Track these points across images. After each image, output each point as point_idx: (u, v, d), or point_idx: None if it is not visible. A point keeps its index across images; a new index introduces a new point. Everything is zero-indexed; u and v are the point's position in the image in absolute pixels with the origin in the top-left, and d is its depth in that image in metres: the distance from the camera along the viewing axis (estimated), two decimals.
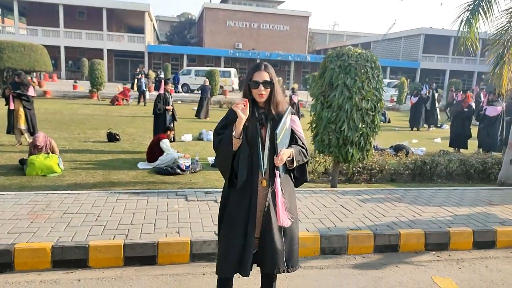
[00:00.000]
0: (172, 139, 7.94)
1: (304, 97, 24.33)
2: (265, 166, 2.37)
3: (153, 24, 46.20)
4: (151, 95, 21.26)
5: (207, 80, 16.44)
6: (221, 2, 50.12)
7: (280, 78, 37.02)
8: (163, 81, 8.71)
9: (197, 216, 4.27)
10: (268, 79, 2.38)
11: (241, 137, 2.35)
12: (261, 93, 2.38)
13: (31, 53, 19.30)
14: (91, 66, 20.24)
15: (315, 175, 7.06)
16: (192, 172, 6.81)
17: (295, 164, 2.42)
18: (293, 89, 15.25)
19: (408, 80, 29.41)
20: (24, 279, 3.18)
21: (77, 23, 37.31)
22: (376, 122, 5.83)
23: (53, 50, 29.53)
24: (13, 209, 4.15)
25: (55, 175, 6.20)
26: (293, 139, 2.50)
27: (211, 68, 23.68)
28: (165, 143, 7.26)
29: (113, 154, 7.95)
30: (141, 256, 3.52)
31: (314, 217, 4.44)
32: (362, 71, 5.59)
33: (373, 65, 5.70)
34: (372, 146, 6.09)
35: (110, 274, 3.35)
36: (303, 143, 2.51)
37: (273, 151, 2.33)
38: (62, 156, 6.92)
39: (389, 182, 6.85)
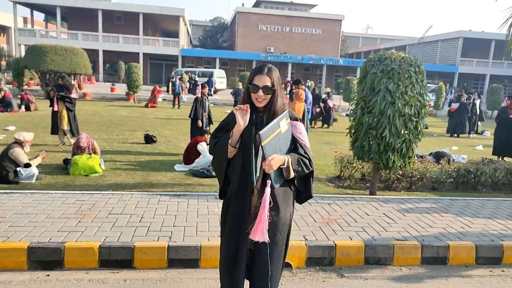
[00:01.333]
0: (208, 143, 8.02)
1: (337, 101, 24.03)
2: (257, 174, 2.21)
3: (187, 28, 47.09)
4: (188, 98, 21.67)
5: (240, 84, 16.54)
6: (253, 6, 50.43)
7: (312, 81, 36.83)
8: (200, 84, 8.82)
9: None
10: (269, 84, 2.20)
11: (237, 145, 2.21)
12: (260, 99, 2.21)
13: (72, 57, 20.06)
14: (128, 70, 20.82)
15: (352, 182, 6.92)
16: None
17: (291, 174, 2.19)
18: (328, 93, 15.09)
19: (447, 85, 28.43)
20: (74, 277, 3.27)
21: (115, 27, 38.59)
22: (419, 129, 5.65)
23: (92, 54, 30.64)
24: (61, 208, 4.29)
25: (97, 175, 6.38)
26: (295, 147, 2.28)
27: (201, 69, 23.60)
28: (202, 146, 7.33)
29: (151, 156, 8.11)
30: (184, 258, 3.54)
31: (356, 226, 4.33)
32: (406, 75, 5.43)
33: (417, 70, 5.54)
34: (414, 153, 5.90)
35: (155, 275, 3.39)
36: (305, 152, 2.27)
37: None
38: (103, 156, 7.12)
39: (430, 191, 6.61)
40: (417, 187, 6.75)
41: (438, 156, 8.68)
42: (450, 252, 3.90)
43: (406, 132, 5.52)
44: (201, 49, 47.12)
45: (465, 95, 16.07)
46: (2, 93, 14.82)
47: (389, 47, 46.71)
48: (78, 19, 38.67)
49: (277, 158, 2.09)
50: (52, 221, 3.90)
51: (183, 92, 20.87)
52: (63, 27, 40.88)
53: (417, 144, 5.79)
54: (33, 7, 38.01)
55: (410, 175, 6.75)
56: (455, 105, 15.32)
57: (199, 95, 8.34)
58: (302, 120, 7.18)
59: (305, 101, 8.29)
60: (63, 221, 3.93)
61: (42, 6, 37.15)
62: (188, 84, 26.04)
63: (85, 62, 20.95)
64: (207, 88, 8.60)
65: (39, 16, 43.83)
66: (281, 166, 2.14)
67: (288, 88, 21.78)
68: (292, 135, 2.28)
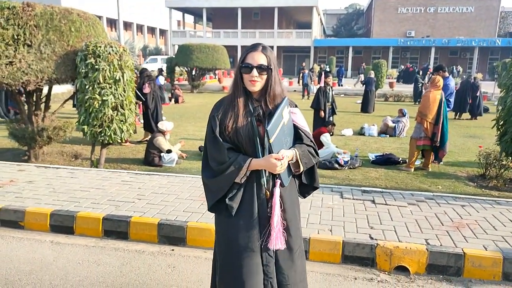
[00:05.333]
0: (331, 134, 7.84)
1: (489, 88, 20.82)
2: (267, 173, 1.93)
3: (320, 18, 46.79)
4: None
5: (372, 72, 15.67)
6: None
7: (461, 67, 32.56)
8: (323, 73, 8.65)
9: (351, 215, 4.07)
10: (264, 63, 1.89)
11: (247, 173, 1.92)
12: (254, 80, 1.89)
13: (213, 53, 21.98)
14: None
15: (500, 182, 5.91)
16: (350, 168, 6.58)
17: (301, 168, 1.95)
18: (475, 78, 13.16)
19: None
20: (193, 254, 3.60)
21: (252, 23, 40.86)
22: None
23: (231, 50, 33.09)
24: (189, 191, 4.76)
25: None
26: (298, 137, 2.02)
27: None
28: (325, 137, 7.22)
29: None
30: None
31: (495, 234, 3.68)
32: None
33: None
34: None
35: None
36: (311, 140, 2.02)
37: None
38: None
39: None
40: None
41: None
42: None
43: None
44: (333, 39, 46.32)
45: None
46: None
47: None
48: (221, 18, 42.18)
49: (286, 154, 1.86)
50: (180, 202, 4.36)
51: (312, 83, 20.87)
52: (209, 27, 45.11)
53: None
54: (184, 10, 42.99)
55: None
56: None
57: (322, 85, 8.20)
58: (439, 111, 6.46)
59: (443, 89, 7.39)
60: (189, 202, 4.35)
61: (191, 9, 41.69)
62: (318, 75, 25.92)
63: (224, 58, 22.70)
64: (331, 77, 8.39)
65: (189, 19, 49.30)
66: (289, 162, 1.91)
67: (427, 75, 19.75)
68: (293, 124, 2.02)
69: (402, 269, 3.35)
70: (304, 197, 2.20)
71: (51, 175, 5.34)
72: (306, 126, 2.08)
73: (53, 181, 5.04)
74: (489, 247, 3.40)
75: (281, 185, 1.93)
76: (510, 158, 5.49)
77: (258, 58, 1.89)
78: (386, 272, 3.35)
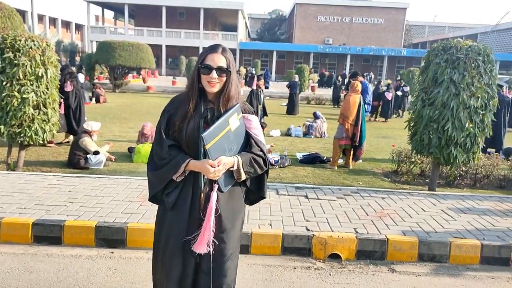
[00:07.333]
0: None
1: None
2: (205, 177, 1.93)
3: (246, 22, 47.63)
4: (244, 91, 21.95)
5: (296, 76, 16.44)
6: None
7: (372, 73, 35.43)
8: (255, 77, 8.94)
9: (288, 210, 4.33)
10: (224, 65, 1.91)
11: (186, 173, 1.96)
12: (212, 82, 1.91)
13: (138, 52, 21.19)
14: (188, 64, 21.64)
15: (410, 177, 6.66)
16: (280, 167, 6.89)
17: (243, 176, 1.94)
18: (388, 85, 14.52)
19: None
20: (135, 255, 3.54)
21: (177, 23, 40.15)
22: (486, 122, 5.29)
23: (155, 49, 32.15)
24: (125, 192, 4.63)
25: None
26: (249, 145, 2.01)
27: None
28: None
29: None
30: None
31: (411, 221, 4.19)
32: (473, 65, 5.11)
33: (485, 59, 5.18)
34: (480, 148, 5.54)
35: None
36: (261, 150, 2.01)
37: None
38: None
39: (496, 189, 6.17)
40: (482, 185, 6.34)
41: (508, 153, 8.04)
42: None
43: (471, 125, 5.20)
44: (258, 42, 47.44)
45: None
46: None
47: (458, 35, 43.59)
48: (144, 16, 40.75)
49: (224, 161, 1.85)
50: (117, 204, 4.23)
51: (239, 85, 21.21)
52: (131, 24, 43.29)
53: (483, 138, 5.44)
54: (103, 5, 40.71)
55: (475, 172, 6.36)
56: None
57: (254, 88, 8.47)
58: (358, 113, 7.08)
59: (362, 93, 8.08)
60: (127, 203, 4.25)
61: (111, 4, 39.63)
62: (244, 77, 26.41)
63: (149, 57, 22.03)
64: (263, 80, 8.70)
65: (109, 14, 46.82)
66: (230, 169, 1.91)
67: (346, 81, 21.29)
68: (246, 131, 2.02)
69: (335, 257, 3.66)
70: (251, 204, 2.19)
71: None
72: (261, 135, 2.07)
73: None
74: (407, 232, 3.87)
75: (219, 189, 1.92)
76: (419, 155, 6.22)
77: (218, 60, 1.91)
78: (321, 260, 3.63)
